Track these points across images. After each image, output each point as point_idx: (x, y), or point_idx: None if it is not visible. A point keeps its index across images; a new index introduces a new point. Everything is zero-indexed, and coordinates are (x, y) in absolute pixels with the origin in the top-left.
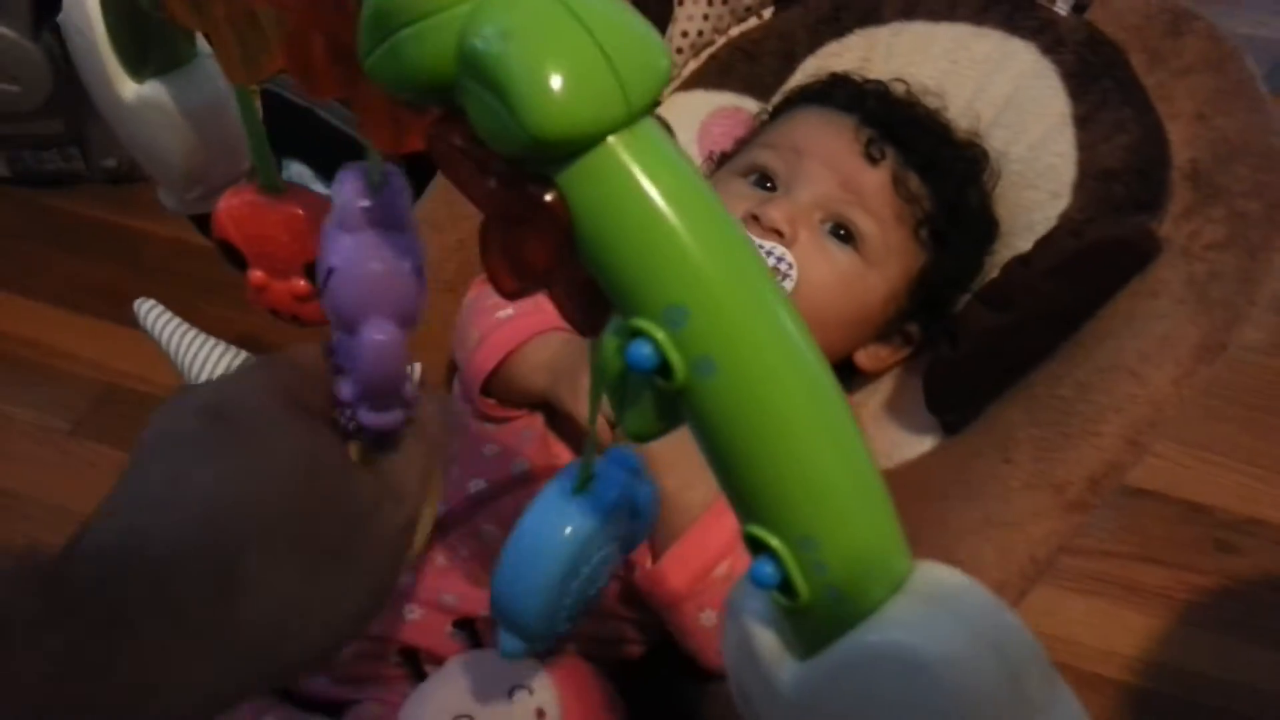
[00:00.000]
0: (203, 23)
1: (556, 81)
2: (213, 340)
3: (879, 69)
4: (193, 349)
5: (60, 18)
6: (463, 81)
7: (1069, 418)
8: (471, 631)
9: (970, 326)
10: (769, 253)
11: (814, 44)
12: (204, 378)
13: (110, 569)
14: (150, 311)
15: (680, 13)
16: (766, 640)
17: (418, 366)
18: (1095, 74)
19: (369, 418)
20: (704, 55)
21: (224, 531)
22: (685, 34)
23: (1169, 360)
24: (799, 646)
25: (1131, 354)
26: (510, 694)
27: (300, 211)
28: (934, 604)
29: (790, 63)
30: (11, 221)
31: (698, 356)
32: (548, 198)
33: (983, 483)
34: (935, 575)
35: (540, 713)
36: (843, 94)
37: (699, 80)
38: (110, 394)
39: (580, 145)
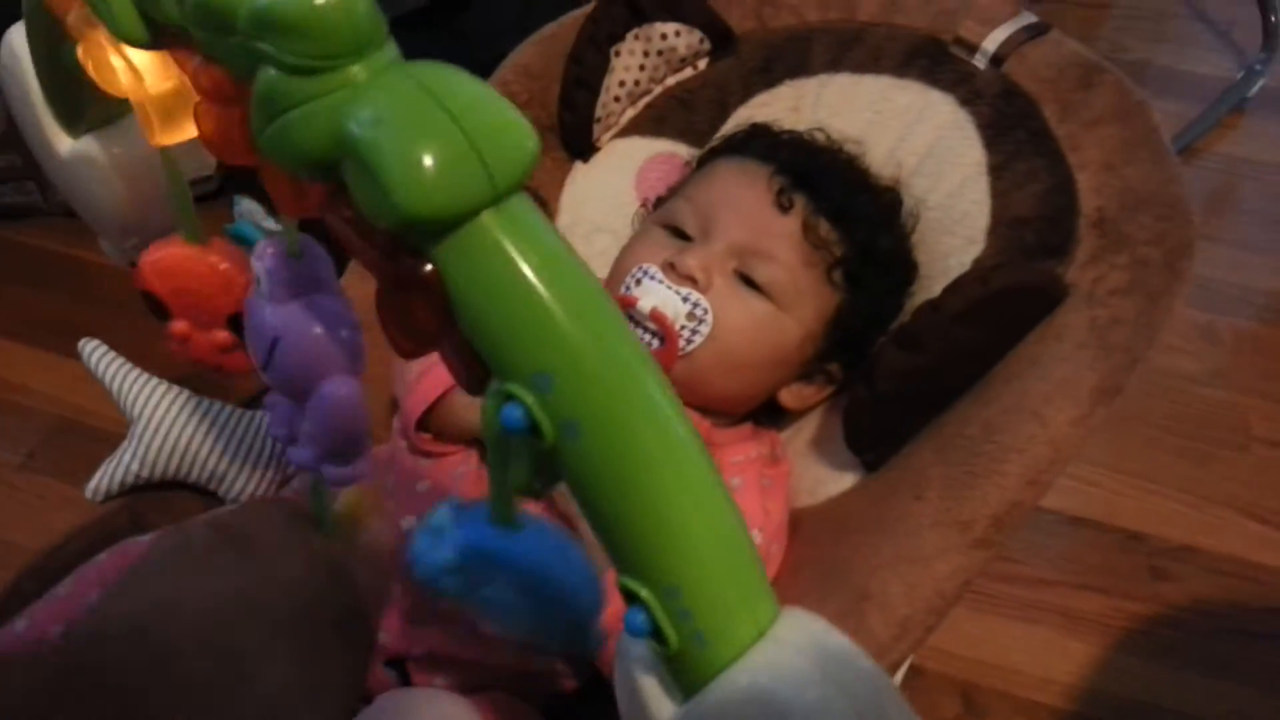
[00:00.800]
0: (115, 83)
1: (424, 165)
2: (155, 380)
3: (807, 118)
4: (135, 389)
5: None
6: (344, 166)
7: (975, 457)
8: (401, 670)
9: (883, 368)
10: (686, 298)
11: (746, 94)
12: (146, 418)
13: (121, 654)
14: (94, 352)
15: (618, 63)
16: (648, 684)
17: None
18: (1010, 125)
19: (335, 473)
20: (641, 104)
21: (230, 628)
22: (623, 83)
23: (1069, 402)
24: (676, 690)
25: (1035, 396)
26: None
27: (222, 265)
28: (793, 650)
29: (724, 111)
30: None
31: (564, 420)
32: (426, 268)
33: (896, 520)
34: (797, 622)
35: None
36: (760, 144)
37: (636, 128)
38: (63, 427)
39: (450, 223)
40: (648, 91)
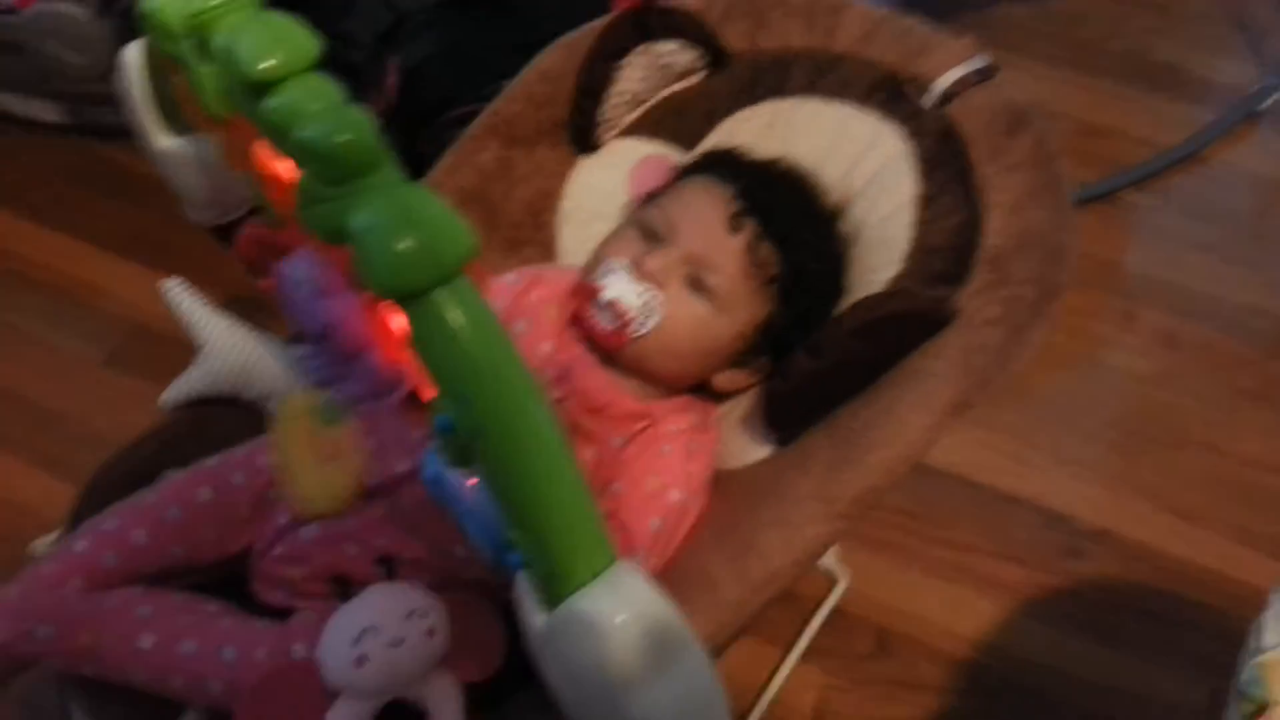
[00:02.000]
0: (202, 125)
1: (392, 257)
2: (220, 315)
3: (779, 134)
4: (204, 321)
5: (116, 75)
6: (349, 242)
7: (850, 447)
8: (389, 567)
9: (793, 368)
10: (641, 294)
11: (731, 108)
12: (211, 344)
13: None
14: (173, 290)
15: (622, 75)
16: (529, 600)
17: None
18: (943, 162)
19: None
20: (641, 109)
21: None
22: (625, 92)
23: (925, 411)
24: (543, 605)
25: (904, 403)
26: (409, 615)
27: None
28: (610, 588)
29: (711, 121)
30: (69, 167)
31: (473, 427)
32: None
33: (785, 488)
34: (622, 571)
35: (431, 631)
36: (728, 168)
37: (635, 130)
38: (142, 332)
39: (413, 295)
40: (647, 99)
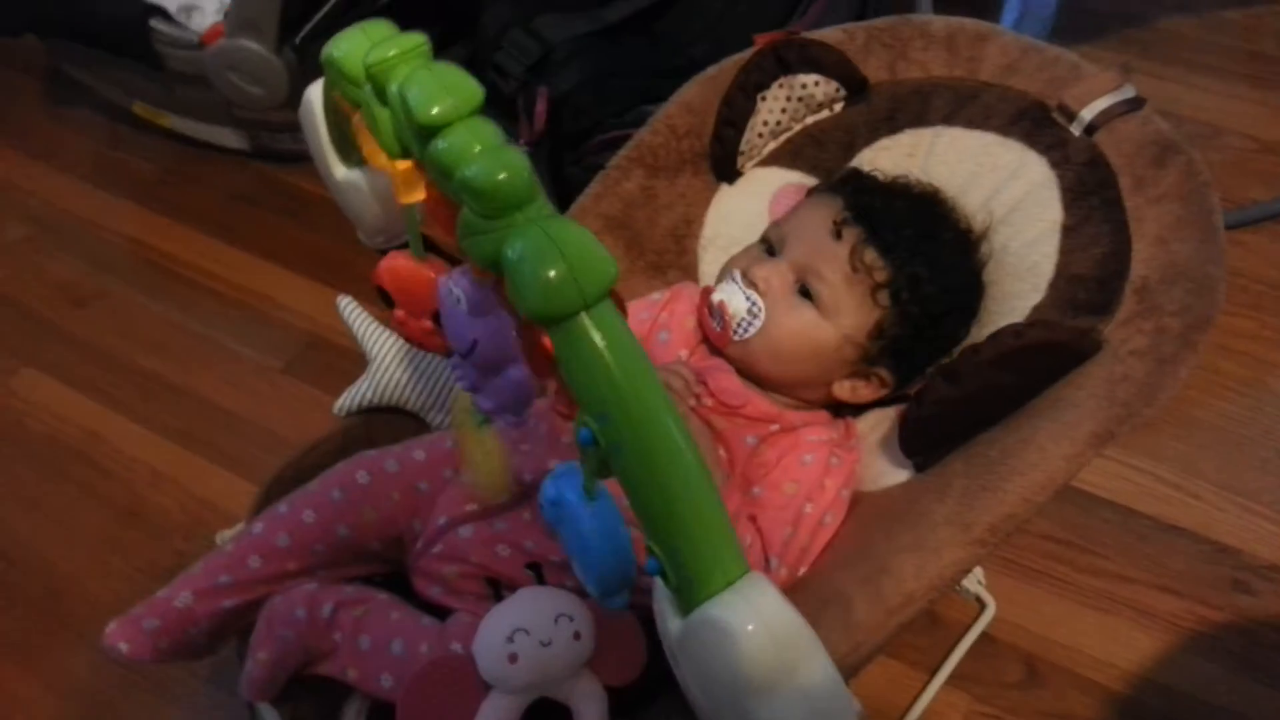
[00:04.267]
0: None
1: (540, 285)
2: (389, 332)
3: (919, 164)
4: (374, 336)
5: (300, 111)
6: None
7: (989, 474)
8: (539, 571)
9: (928, 394)
10: (748, 299)
11: (871, 137)
12: (380, 358)
13: None
14: (347, 306)
15: (763, 106)
16: (665, 607)
17: None
18: (1088, 191)
19: (506, 420)
20: (781, 139)
21: None
22: (766, 123)
23: (1067, 441)
24: (678, 611)
25: (1044, 432)
26: (556, 619)
27: (434, 276)
28: (741, 597)
29: (850, 151)
30: (251, 190)
31: (613, 442)
32: (546, 340)
33: (920, 514)
34: (753, 581)
35: (577, 635)
36: (845, 184)
37: (774, 159)
38: (316, 342)
39: (558, 319)
40: (788, 129)
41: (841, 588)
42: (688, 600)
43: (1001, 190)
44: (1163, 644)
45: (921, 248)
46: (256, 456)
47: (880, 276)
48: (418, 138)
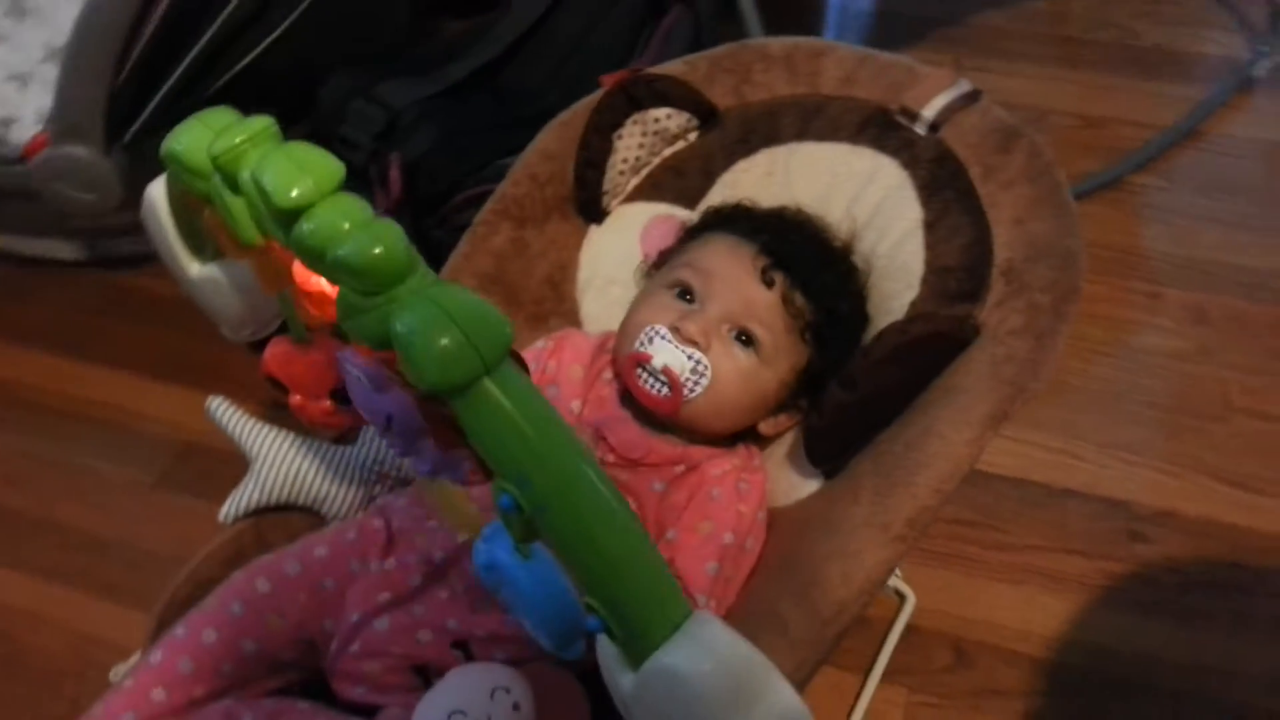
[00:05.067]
0: (236, 253)
1: (436, 355)
2: (268, 426)
3: (779, 181)
4: (253, 434)
5: (142, 211)
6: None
7: (896, 470)
8: (466, 649)
9: (828, 403)
10: (690, 357)
11: (728, 162)
12: (263, 456)
13: None
14: (219, 407)
15: (620, 144)
16: (611, 661)
17: None
18: (941, 186)
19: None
20: (642, 174)
21: None
22: (625, 160)
23: (964, 425)
24: (628, 665)
25: (941, 420)
26: (492, 694)
27: (321, 357)
28: (691, 639)
29: (710, 178)
30: (92, 300)
31: (537, 504)
32: (446, 411)
33: (838, 520)
34: (699, 620)
35: (516, 706)
36: (745, 224)
37: (639, 194)
38: (188, 450)
39: (461, 388)
40: (647, 164)
41: (775, 608)
42: (637, 652)
43: (860, 197)
44: (1075, 604)
45: (831, 281)
46: (139, 581)
47: (809, 318)
48: (279, 223)
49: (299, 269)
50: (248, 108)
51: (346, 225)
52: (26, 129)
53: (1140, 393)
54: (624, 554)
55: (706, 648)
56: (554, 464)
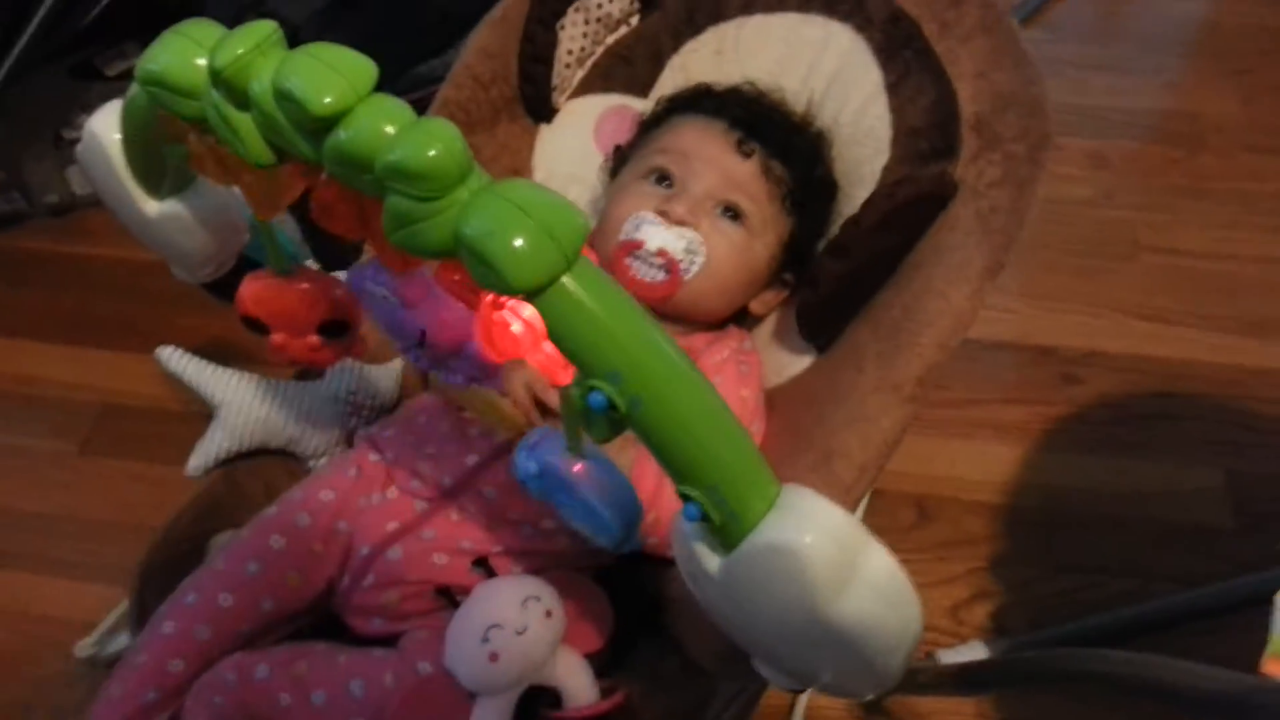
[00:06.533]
0: (229, 179)
1: (520, 254)
2: (228, 370)
3: (730, 58)
4: (213, 379)
5: (78, 152)
6: (460, 253)
7: (898, 334)
8: (487, 566)
9: (823, 274)
10: (681, 237)
11: (676, 44)
12: (228, 402)
13: None
14: (172, 355)
15: (563, 35)
16: (701, 549)
17: None
18: (898, 46)
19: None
20: (588, 65)
21: None
22: (570, 52)
23: (963, 281)
24: (720, 549)
25: (938, 279)
26: (524, 603)
27: (309, 286)
28: (790, 512)
29: (659, 62)
30: None
31: (630, 397)
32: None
33: (845, 389)
34: (793, 492)
35: (548, 613)
36: (710, 102)
37: (586, 87)
38: (108, 411)
39: (544, 287)
40: (592, 54)
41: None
42: (734, 533)
43: (816, 66)
44: (1022, 449)
45: (806, 149)
46: (86, 551)
47: (789, 185)
48: (307, 134)
49: (325, 188)
50: (122, 39)
51: (390, 128)
52: None
53: (1054, 241)
54: (720, 437)
55: (806, 519)
56: (646, 355)
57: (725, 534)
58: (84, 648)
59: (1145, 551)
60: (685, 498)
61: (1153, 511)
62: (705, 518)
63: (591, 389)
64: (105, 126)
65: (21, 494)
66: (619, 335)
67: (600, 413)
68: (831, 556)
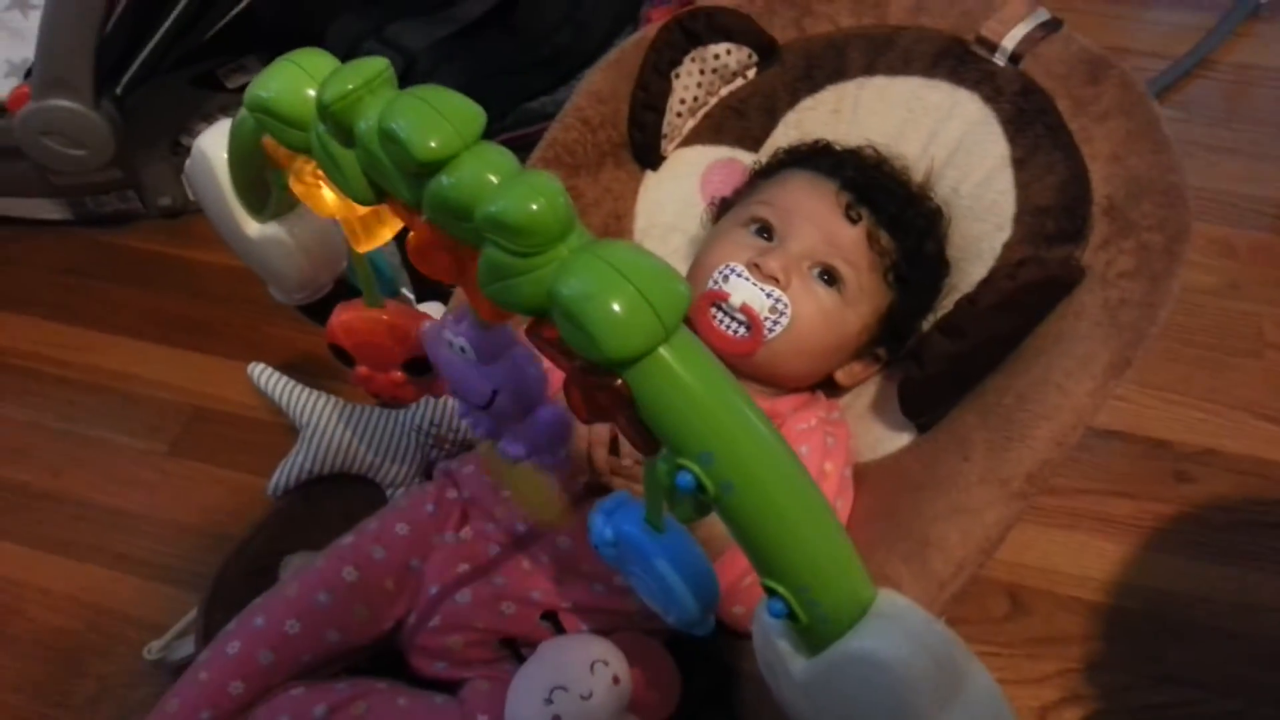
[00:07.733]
0: (329, 210)
1: (617, 321)
2: (316, 392)
3: (847, 118)
4: (300, 400)
5: (187, 168)
6: (554, 313)
7: (1010, 424)
8: (555, 621)
9: (932, 353)
10: (769, 295)
11: (792, 100)
12: (313, 424)
13: None
14: (263, 374)
15: (677, 84)
16: (783, 646)
17: None
18: (1029, 120)
19: (546, 462)
20: (700, 114)
21: None
22: (683, 100)
23: (1086, 376)
24: (805, 650)
25: (1058, 370)
26: (592, 666)
27: (399, 322)
28: (888, 621)
29: (773, 117)
30: (80, 260)
31: (722, 482)
32: (618, 383)
33: (947, 477)
34: (889, 600)
35: (615, 679)
36: (825, 161)
37: (697, 137)
38: (199, 415)
39: (639, 357)
40: (705, 104)
41: (882, 570)
42: (823, 635)
43: (938, 133)
44: (1127, 547)
45: (918, 222)
46: (161, 552)
47: (894, 257)
48: (409, 177)
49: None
50: (244, 53)
51: (494, 178)
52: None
53: (1176, 331)
54: (816, 534)
55: (903, 630)
56: (742, 438)
57: (812, 635)
58: (153, 650)
59: (1254, 671)
60: (770, 591)
61: (1266, 628)
62: (792, 616)
63: (680, 468)
64: (213, 145)
65: (102, 488)
66: (715, 414)
67: (687, 493)
68: (926, 674)
